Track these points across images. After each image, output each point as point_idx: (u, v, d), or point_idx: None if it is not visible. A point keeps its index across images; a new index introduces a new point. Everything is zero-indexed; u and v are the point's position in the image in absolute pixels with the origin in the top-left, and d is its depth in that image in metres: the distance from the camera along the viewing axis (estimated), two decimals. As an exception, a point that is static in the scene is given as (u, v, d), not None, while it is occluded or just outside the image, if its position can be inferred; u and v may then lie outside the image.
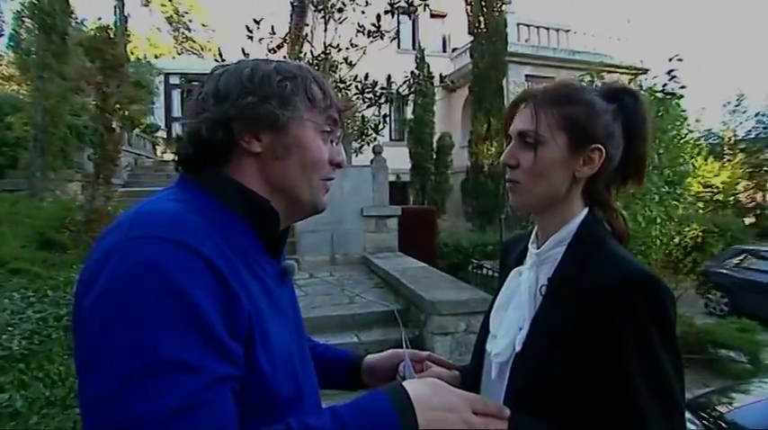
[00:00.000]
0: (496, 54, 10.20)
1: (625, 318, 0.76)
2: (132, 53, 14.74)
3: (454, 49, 15.64)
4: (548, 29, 14.05)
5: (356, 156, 10.31)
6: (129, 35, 11.35)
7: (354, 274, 6.79)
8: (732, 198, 14.98)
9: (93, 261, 0.61)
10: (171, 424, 0.52)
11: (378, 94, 8.83)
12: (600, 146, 0.86)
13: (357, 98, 9.10)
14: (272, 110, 0.73)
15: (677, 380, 0.77)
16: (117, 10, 11.42)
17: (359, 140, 9.88)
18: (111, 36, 6.14)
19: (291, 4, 8.83)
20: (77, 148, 7.73)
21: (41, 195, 6.64)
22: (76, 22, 11.08)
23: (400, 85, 9.11)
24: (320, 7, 8.06)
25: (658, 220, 4.24)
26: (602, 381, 0.76)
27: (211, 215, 0.69)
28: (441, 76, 9.73)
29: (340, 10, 8.10)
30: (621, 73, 5.74)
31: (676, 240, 7.92)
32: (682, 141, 4.96)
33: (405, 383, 0.68)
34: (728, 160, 15.86)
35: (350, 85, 8.96)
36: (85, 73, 5.33)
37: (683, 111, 5.69)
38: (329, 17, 8.14)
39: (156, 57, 20.12)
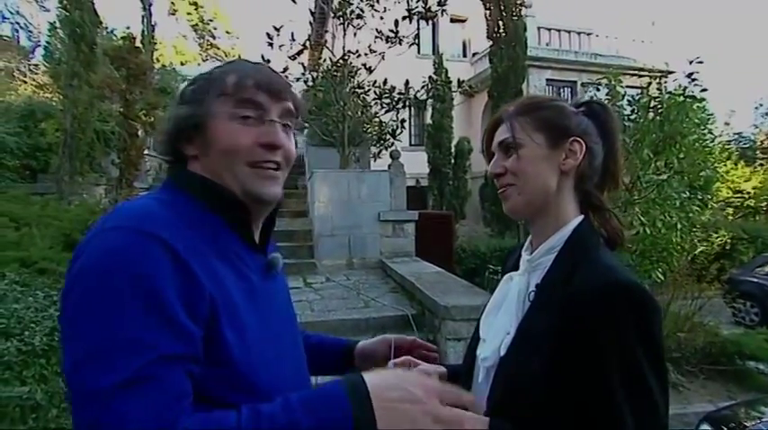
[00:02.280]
0: (515, 59, 10.11)
1: (607, 327, 0.75)
2: (158, 61, 15.17)
3: (474, 54, 15.59)
4: (569, 32, 13.89)
5: (374, 161, 10.34)
6: (155, 43, 11.68)
7: (371, 278, 6.80)
8: (765, 203, 14.43)
9: (75, 251, 0.67)
10: (115, 397, 0.55)
11: (395, 99, 8.86)
12: (578, 138, 0.89)
13: (375, 103, 9.16)
14: (186, 113, 0.78)
15: (661, 395, 0.75)
16: (144, 19, 11.80)
17: (377, 145, 9.91)
18: (138, 45, 6.37)
19: (311, 11, 8.95)
20: (104, 153, 8.00)
21: (69, 198, 6.89)
22: (106, 32, 11.49)
23: (418, 90, 9.12)
24: (339, 14, 8.15)
25: (679, 226, 4.12)
26: (581, 391, 0.75)
27: (188, 213, 0.74)
28: (459, 80, 9.68)
29: (359, 16, 8.17)
30: (643, 75, 5.61)
31: (702, 247, 7.68)
32: (704, 145, 4.83)
33: (366, 374, 0.66)
34: (761, 164, 15.30)
35: (368, 90, 9.02)
36: (110, 81, 5.52)
37: (710, 114, 5.53)
38: (348, 24, 8.22)
39: (181, 64, 20.66)
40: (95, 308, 0.59)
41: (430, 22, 9.19)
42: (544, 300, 0.84)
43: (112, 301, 0.59)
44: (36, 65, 13.76)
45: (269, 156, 0.79)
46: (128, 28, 11.12)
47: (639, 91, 4.80)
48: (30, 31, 14.71)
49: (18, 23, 14.45)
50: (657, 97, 4.64)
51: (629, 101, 4.65)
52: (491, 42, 10.53)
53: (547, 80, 12.93)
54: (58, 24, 8.79)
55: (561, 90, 13.19)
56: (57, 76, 9.23)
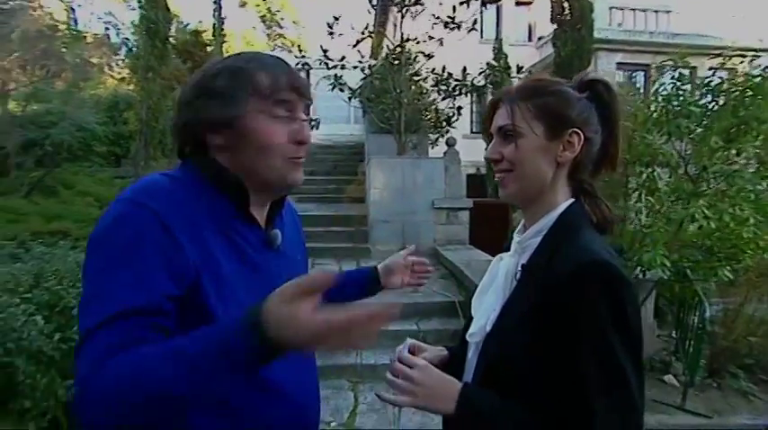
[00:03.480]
0: (581, 41, 9.53)
1: (579, 304, 0.77)
2: (227, 52, 15.92)
3: (540, 38, 14.94)
4: (644, 11, 12.91)
5: (432, 148, 10.28)
6: (224, 35, 12.29)
7: (422, 265, 6.83)
8: None
9: None
10: (84, 340, 0.68)
11: (452, 86, 8.73)
12: (577, 130, 0.89)
13: (433, 90, 9.08)
14: (216, 110, 0.83)
15: (634, 372, 0.76)
16: (215, 13, 12.43)
17: (434, 132, 9.84)
18: (210, 37, 6.74)
19: (370, 1, 8.97)
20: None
21: (144, 182, 7.54)
22: (181, 26, 12.25)
23: (476, 77, 8.91)
24: (397, 1, 8.14)
25: (752, 221, 3.75)
26: (554, 368, 0.78)
27: (195, 189, 0.83)
28: (518, 66, 9.30)
29: (417, 2, 8.10)
30: (726, 55, 5.07)
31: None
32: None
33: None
34: None
35: (426, 77, 8.95)
36: (177, 73, 5.93)
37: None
38: (406, 10, 8.18)
39: (250, 54, 21.46)
40: (91, 267, 0.73)
41: (492, 6, 8.91)
42: (528, 279, 0.88)
43: (105, 261, 0.72)
44: (123, 59, 14.97)
45: (300, 152, 0.88)
46: (200, 22, 11.79)
47: (712, 72, 4.37)
48: (118, 29, 16.04)
49: (108, 22, 15.80)
50: (731, 79, 4.22)
51: (696, 84, 4.26)
52: (555, 25, 10.04)
53: (617, 63, 12.11)
54: (137, 22, 9.53)
55: (634, 74, 12.34)
56: (135, 69, 10.05)
